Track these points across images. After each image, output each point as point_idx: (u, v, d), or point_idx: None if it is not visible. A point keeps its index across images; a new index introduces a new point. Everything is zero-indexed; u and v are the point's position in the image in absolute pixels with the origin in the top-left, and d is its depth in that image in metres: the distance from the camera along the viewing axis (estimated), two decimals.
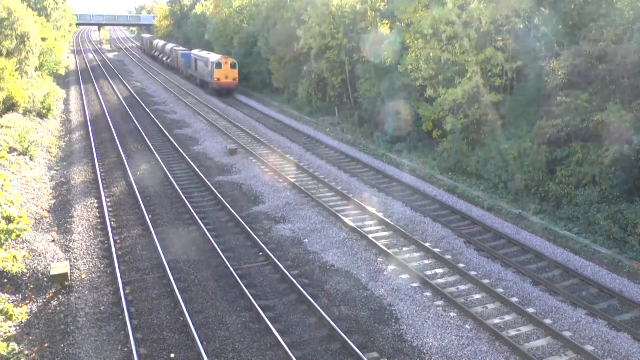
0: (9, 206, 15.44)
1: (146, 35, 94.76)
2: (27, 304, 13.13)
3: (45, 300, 13.35)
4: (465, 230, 18.02)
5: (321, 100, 37.24)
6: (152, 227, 17.43)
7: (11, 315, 12.30)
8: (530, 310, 13.24)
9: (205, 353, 11.17)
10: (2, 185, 16.67)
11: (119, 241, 16.76)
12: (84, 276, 14.49)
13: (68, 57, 68.92)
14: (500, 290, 14.11)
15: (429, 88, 25.21)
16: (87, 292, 13.74)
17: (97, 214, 18.86)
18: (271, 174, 23.70)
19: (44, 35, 43.74)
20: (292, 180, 22.37)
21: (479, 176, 22.66)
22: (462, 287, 14.33)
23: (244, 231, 17.64)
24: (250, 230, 17.42)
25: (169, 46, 68.05)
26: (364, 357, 11.14)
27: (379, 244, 16.46)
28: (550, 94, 20.01)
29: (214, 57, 46.12)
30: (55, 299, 13.39)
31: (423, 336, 12.24)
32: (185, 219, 18.62)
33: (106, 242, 16.56)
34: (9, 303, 12.79)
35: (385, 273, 14.99)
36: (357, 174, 23.84)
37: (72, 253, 15.75)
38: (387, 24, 31.15)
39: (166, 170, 23.53)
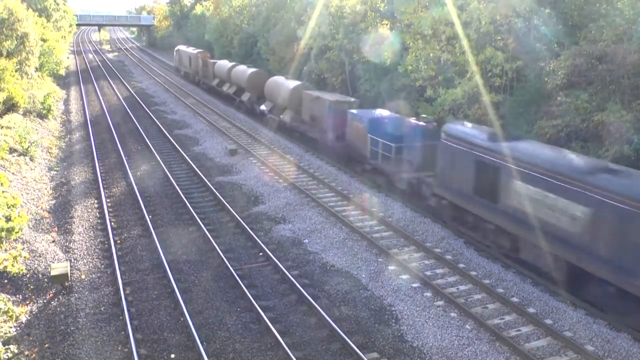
0: (9, 205, 15.53)
1: (190, 50, 54.36)
2: (27, 304, 13.12)
3: (45, 301, 13.35)
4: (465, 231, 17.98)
5: None
6: (152, 227, 17.43)
7: (12, 315, 12.34)
8: (531, 310, 13.23)
9: (206, 353, 11.17)
10: (2, 185, 16.76)
11: (119, 241, 16.76)
12: (84, 276, 14.49)
13: (68, 58, 68.92)
14: (500, 291, 14.10)
15: (428, 88, 25.22)
16: (87, 292, 13.74)
17: (97, 214, 18.87)
18: (271, 174, 23.70)
19: (44, 36, 43.81)
20: (292, 181, 22.38)
21: None
22: (462, 287, 14.33)
23: (244, 231, 17.64)
24: (250, 230, 17.42)
25: (286, 84, 30.95)
26: (364, 357, 11.14)
27: (379, 244, 16.47)
28: (550, 94, 20.01)
29: None
30: (56, 299, 13.39)
31: (423, 336, 12.24)
32: (186, 219, 18.62)
33: (106, 242, 16.56)
34: (10, 302, 12.83)
35: (385, 273, 14.99)
36: (357, 174, 23.81)
37: (72, 253, 15.75)
38: (387, 24, 31.16)
39: (166, 171, 23.53)
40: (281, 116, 30.93)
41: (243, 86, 38.04)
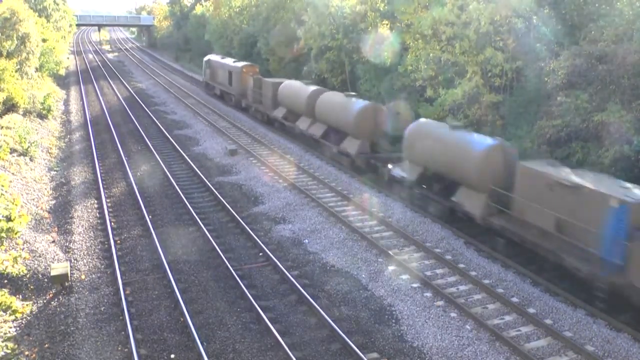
0: (9, 205, 15.55)
1: (229, 62, 40.64)
2: (27, 305, 13.12)
3: (45, 301, 13.35)
4: (465, 231, 17.97)
5: None
6: (152, 227, 17.43)
7: (15, 310, 12.37)
8: (531, 310, 13.23)
9: (206, 353, 11.17)
10: (2, 186, 16.77)
11: (119, 241, 16.76)
12: (84, 277, 14.49)
13: (68, 58, 68.92)
14: (500, 291, 14.10)
15: (428, 88, 25.23)
16: (87, 292, 13.74)
17: (97, 215, 18.86)
18: (271, 174, 23.70)
19: (44, 36, 43.77)
20: (292, 181, 22.37)
21: None
22: (462, 288, 14.33)
23: (244, 231, 17.64)
24: (250, 230, 17.42)
25: (464, 141, 17.32)
26: (364, 358, 11.14)
27: (379, 245, 16.47)
28: (550, 94, 20.02)
29: None
30: (56, 300, 13.39)
31: (423, 336, 12.24)
32: (186, 220, 18.62)
33: (106, 242, 16.56)
34: (12, 297, 12.86)
35: (385, 273, 15.00)
36: (357, 174, 23.81)
37: (72, 253, 15.75)
38: (387, 24, 31.17)
39: (166, 171, 23.53)
40: (455, 199, 17.50)
41: (343, 128, 24.49)
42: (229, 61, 41.35)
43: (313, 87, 28.55)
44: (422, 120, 21.10)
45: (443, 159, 18.11)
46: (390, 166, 20.99)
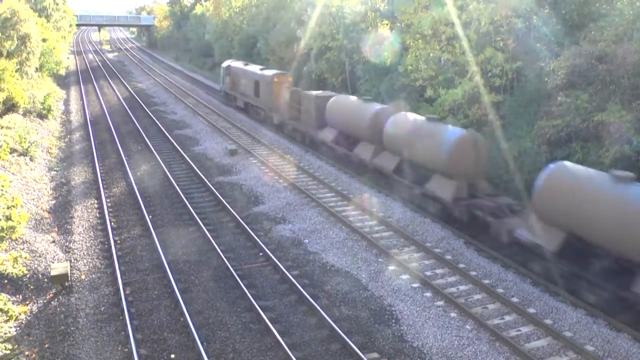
0: (9, 206, 15.55)
1: (255, 70, 35.13)
2: (27, 305, 13.12)
3: (45, 301, 13.35)
4: (465, 231, 17.96)
5: None
6: (152, 227, 17.43)
7: (11, 314, 12.37)
8: (531, 310, 13.23)
9: (206, 353, 11.17)
10: (2, 186, 16.77)
11: (119, 241, 16.76)
12: (84, 277, 14.49)
13: (68, 58, 68.90)
14: (500, 291, 14.11)
15: (428, 88, 25.23)
16: (87, 292, 13.74)
17: (97, 214, 18.87)
18: (271, 174, 23.70)
19: (44, 36, 43.76)
20: (292, 181, 22.38)
21: None
22: (462, 287, 14.33)
23: (244, 231, 17.64)
24: (250, 230, 17.42)
25: None
26: (364, 358, 11.14)
27: (379, 245, 16.47)
28: (550, 94, 20.01)
29: None
30: (55, 300, 13.39)
31: (423, 336, 12.24)
32: (186, 219, 18.62)
33: (106, 242, 16.56)
34: (10, 302, 12.84)
35: (385, 273, 15.00)
36: (357, 174, 23.80)
37: (72, 253, 15.75)
38: (387, 24, 31.18)
39: (166, 171, 23.53)
40: None
41: (429, 163, 19.17)
42: (255, 68, 35.45)
43: (377, 106, 22.89)
44: (565, 164, 14.76)
45: (608, 226, 12.43)
46: (511, 223, 15.62)
